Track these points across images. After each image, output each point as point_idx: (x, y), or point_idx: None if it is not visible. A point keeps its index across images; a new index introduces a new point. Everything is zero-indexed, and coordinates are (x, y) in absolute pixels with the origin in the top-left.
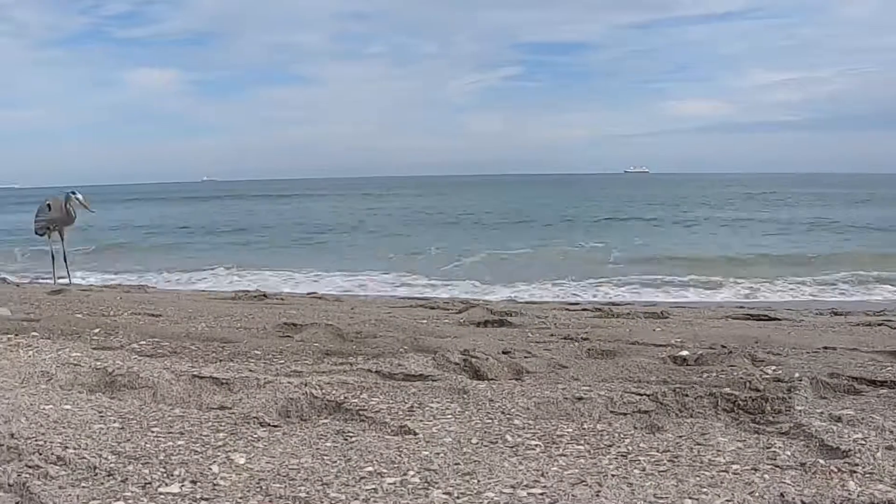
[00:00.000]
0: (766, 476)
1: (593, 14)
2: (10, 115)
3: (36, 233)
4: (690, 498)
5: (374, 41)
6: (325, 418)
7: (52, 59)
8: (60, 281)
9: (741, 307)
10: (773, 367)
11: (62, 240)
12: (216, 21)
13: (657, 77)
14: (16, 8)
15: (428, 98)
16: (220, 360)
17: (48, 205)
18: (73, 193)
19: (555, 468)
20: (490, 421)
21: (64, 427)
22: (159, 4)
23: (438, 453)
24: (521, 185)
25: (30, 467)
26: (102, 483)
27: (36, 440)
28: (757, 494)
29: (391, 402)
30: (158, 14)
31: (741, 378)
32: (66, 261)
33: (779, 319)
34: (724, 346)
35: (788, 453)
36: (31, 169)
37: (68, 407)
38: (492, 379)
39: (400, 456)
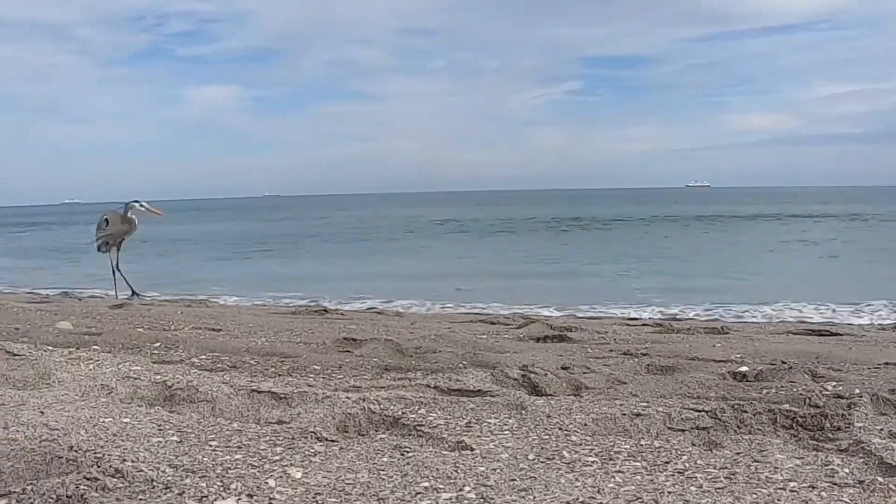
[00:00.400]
0: (824, 494)
1: (654, 28)
2: (73, 132)
3: (98, 249)
4: None
5: (437, 56)
6: (383, 433)
7: (116, 77)
8: (122, 296)
9: (802, 322)
10: (833, 383)
11: (118, 253)
12: (277, 38)
13: (718, 90)
14: (81, 28)
15: (490, 113)
16: (279, 375)
17: (106, 220)
18: (136, 202)
19: (611, 485)
20: (547, 437)
21: (122, 440)
22: (221, 23)
23: (495, 469)
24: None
25: (88, 479)
26: (159, 496)
27: (95, 452)
28: None
29: (449, 417)
30: (220, 32)
31: (801, 394)
32: (120, 273)
33: (840, 335)
34: (783, 362)
35: (847, 471)
36: (93, 184)
37: (127, 420)
38: (550, 394)
39: (456, 472)
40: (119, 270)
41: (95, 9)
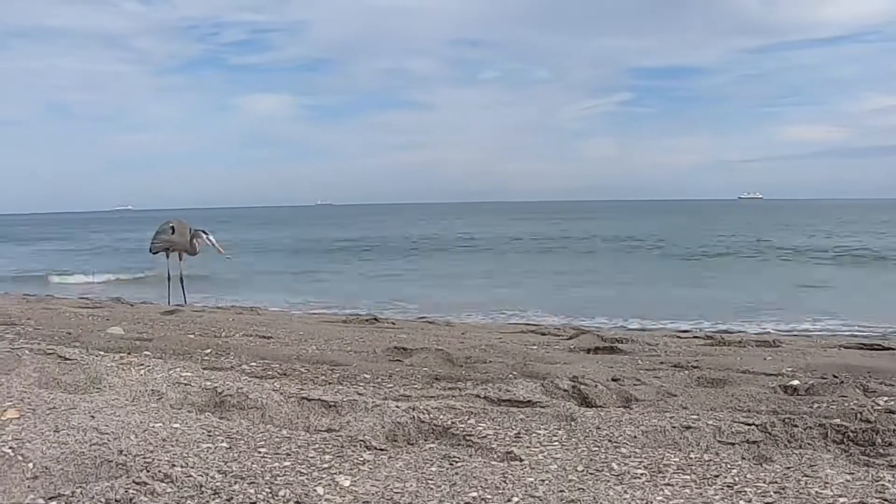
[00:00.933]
0: None
1: (703, 39)
2: (128, 140)
3: (150, 250)
4: None
5: (488, 67)
6: (432, 443)
7: (170, 86)
8: (174, 302)
9: (854, 336)
10: (886, 398)
11: (180, 262)
12: (330, 48)
13: (769, 102)
14: (138, 37)
15: (541, 124)
16: (330, 383)
17: (172, 227)
18: (206, 233)
19: (660, 497)
20: (596, 449)
21: (172, 445)
22: (274, 33)
23: (543, 480)
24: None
25: (137, 484)
26: (208, 501)
27: (144, 457)
28: None
29: (498, 427)
30: (273, 41)
31: (852, 409)
32: (182, 283)
33: (892, 349)
34: (835, 376)
35: None
36: (145, 192)
37: (177, 426)
38: (600, 406)
39: (504, 482)
40: (182, 281)
41: (150, 19)
